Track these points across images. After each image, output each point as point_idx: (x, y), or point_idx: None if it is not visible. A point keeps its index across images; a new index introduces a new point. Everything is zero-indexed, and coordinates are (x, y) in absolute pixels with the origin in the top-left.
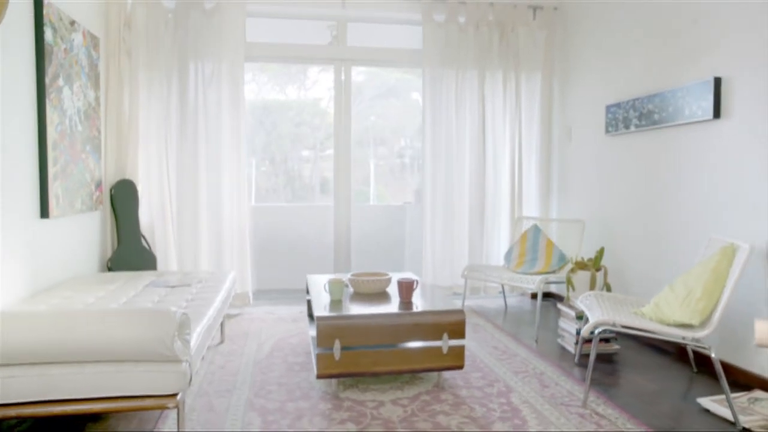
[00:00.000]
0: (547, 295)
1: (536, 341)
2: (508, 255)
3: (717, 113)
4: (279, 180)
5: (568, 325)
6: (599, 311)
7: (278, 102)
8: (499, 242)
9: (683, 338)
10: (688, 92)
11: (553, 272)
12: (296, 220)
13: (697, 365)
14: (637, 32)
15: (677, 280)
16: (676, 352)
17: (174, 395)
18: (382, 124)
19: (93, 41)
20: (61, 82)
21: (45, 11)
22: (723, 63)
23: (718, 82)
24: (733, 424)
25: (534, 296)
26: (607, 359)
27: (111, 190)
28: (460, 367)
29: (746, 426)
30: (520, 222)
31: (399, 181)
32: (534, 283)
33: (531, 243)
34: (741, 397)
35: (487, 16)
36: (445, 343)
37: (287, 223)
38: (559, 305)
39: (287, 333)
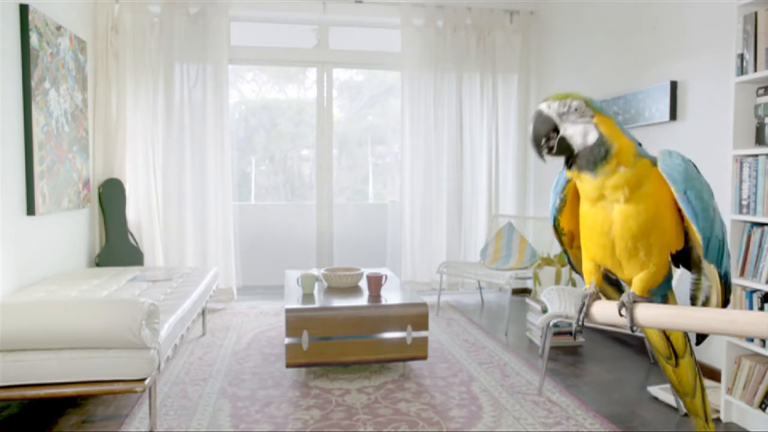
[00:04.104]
0: (524, 291)
1: (506, 334)
2: (484, 251)
3: (673, 115)
4: (278, 178)
5: (534, 319)
6: (558, 304)
7: (278, 101)
8: (477, 239)
9: (632, 330)
10: (648, 95)
11: (525, 268)
12: (287, 217)
13: (654, 356)
14: (604, 36)
15: None
16: (637, 345)
17: (142, 380)
18: (380, 123)
19: (80, 45)
20: (47, 84)
21: (30, 17)
22: (678, 67)
23: (674, 85)
24: (676, 410)
25: (514, 292)
26: (571, 351)
27: (99, 189)
28: (424, 358)
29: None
30: (496, 219)
31: (396, 180)
32: (504, 279)
33: (506, 240)
34: None
35: (465, 20)
36: (409, 334)
37: (278, 221)
38: (527, 299)
39: (267, 326)
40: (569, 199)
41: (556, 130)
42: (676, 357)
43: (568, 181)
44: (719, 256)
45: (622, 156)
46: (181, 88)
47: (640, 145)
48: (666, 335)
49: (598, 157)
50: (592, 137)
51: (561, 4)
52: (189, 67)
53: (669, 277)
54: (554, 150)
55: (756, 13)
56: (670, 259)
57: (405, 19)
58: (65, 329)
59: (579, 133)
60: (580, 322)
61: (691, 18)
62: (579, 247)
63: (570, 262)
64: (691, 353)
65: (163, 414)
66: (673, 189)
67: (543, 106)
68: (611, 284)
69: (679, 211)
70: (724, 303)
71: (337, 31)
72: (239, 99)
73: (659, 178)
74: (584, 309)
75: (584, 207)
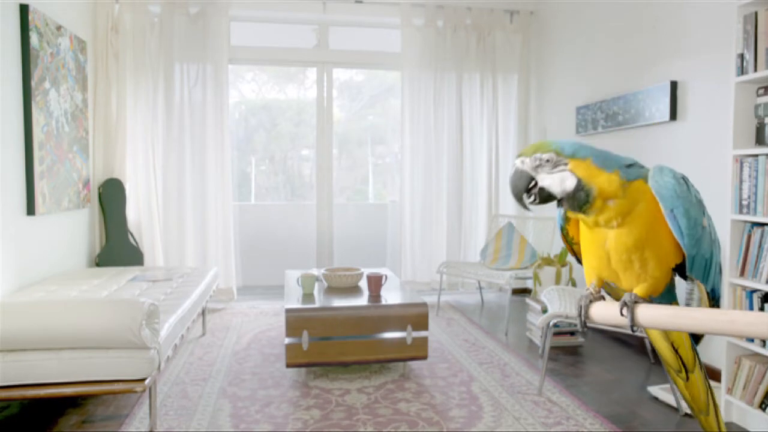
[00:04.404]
0: (524, 291)
1: (506, 334)
2: (484, 251)
3: (673, 115)
4: (278, 178)
5: (534, 319)
6: (558, 304)
7: (278, 101)
8: (477, 239)
9: (633, 330)
10: (648, 95)
11: (526, 268)
12: (287, 217)
13: (654, 356)
14: (604, 36)
15: None
16: (637, 345)
17: (142, 380)
18: (380, 123)
19: (80, 45)
20: (47, 84)
21: (31, 17)
22: (678, 67)
23: (674, 85)
24: (676, 410)
25: (514, 292)
26: (571, 351)
27: (99, 189)
28: (424, 358)
29: (688, 412)
30: (496, 219)
31: (396, 180)
32: (504, 279)
33: (506, 240)
34: None
35: (465, 20)
36: (409, 334)
37: (278, 221)
38: (527, 299)
39: (267, 326)
40: None
41: (535, 181)
42: (686, 371)
43: None
44: (705, 274)
45: (607, 193)
46: (181, 88)
47: (630, 166)
48: (675, 348)
49: (581, 201)
50: (569, 183)
51: (561, 4)
52: (189, 67)
53: (671, 288)
54: (537, 200)
55: (756, 13)
56: (671, 271)
57: (405, 19)
58: (65, 329)
59: (556, 182)
60: (583, 325)
61: (691, 18)
62: None
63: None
64: (701, 367)
65: (163, 414)
66: (661, 206)
67: (518, 162)
68: None
69: None
70: None
71: (337, 31)
72: (239, 99)
73: (653, 196)
74: (582, 311)
75: (582, 225)
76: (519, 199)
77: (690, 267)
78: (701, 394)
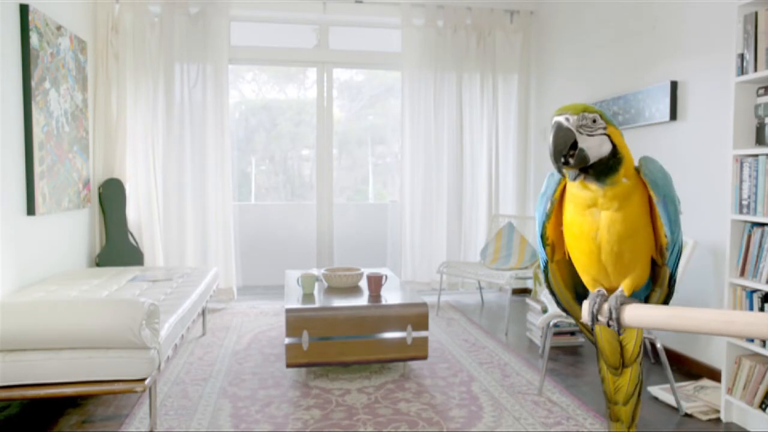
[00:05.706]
0: (524, 291)
1: (506, 334)
2: (484, 251)
3: (674, 115)
4: (278, 178)
5: (534, 319)
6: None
7: (278, 101)
8: (477, 239)
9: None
10: (648, 95)
11: (526, 268)
12: (287, 217)
13: (654, 356)
14: (604, 36)
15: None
16: None
17: (142, 380)
18: (380, 123)
19: (80, 45)
20: (47, 84)
21: (31, 17)
22: (678, 67)
23: (674, 85)
24: (676, 410)
25: (514, 292)
26: (571, 351)
27: (99, 189)
28: (424, 358)
29: (688, 412)
30: (496, 219)
31: (396, 180)
32: (504, 279)
33: (506, 240)
34: (688, 386)
35: (465, 20)
36: (409, 334)
37: (278, 221)
38: (527, 299)
39: (267, 326)
40: (555, 206)
41: (574, 142)
42: (623, 367)
43: (559, 183)
44: (675, 259)
45: (627, 168)
46: (181, 88)
47: None
48: (621, 348)
49: (612, 168)
50: (606, 149)
51: (561, 4)
52: (189, 67)
53: (650, 281)
54: (572, 162)
55: (756, 13)
56: (650, 262)
57: (405, 19)
58: (65, 329)
59: (595, 146)
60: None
61: (691, 18)
62: (557, 262)
63: (547, 279)
64: (640, 362)
65: (163, 414)
66: (653, 193)
67: (561, 120)
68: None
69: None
70: (666, 299)
71: (337, 31)
72: (239, 99)
73: (641, 187)
74: (596, 308)
75: (570, 215)
76: (558, 159)
77: (669, 252)
78: (629, 388)
